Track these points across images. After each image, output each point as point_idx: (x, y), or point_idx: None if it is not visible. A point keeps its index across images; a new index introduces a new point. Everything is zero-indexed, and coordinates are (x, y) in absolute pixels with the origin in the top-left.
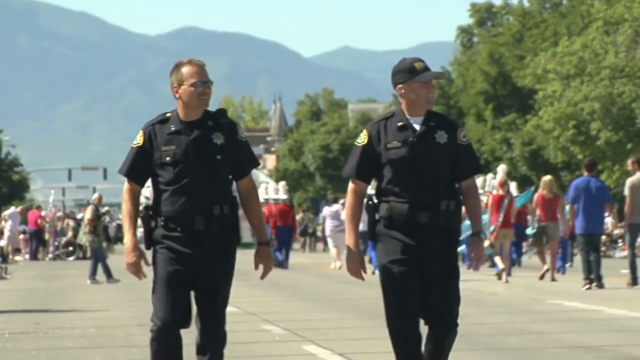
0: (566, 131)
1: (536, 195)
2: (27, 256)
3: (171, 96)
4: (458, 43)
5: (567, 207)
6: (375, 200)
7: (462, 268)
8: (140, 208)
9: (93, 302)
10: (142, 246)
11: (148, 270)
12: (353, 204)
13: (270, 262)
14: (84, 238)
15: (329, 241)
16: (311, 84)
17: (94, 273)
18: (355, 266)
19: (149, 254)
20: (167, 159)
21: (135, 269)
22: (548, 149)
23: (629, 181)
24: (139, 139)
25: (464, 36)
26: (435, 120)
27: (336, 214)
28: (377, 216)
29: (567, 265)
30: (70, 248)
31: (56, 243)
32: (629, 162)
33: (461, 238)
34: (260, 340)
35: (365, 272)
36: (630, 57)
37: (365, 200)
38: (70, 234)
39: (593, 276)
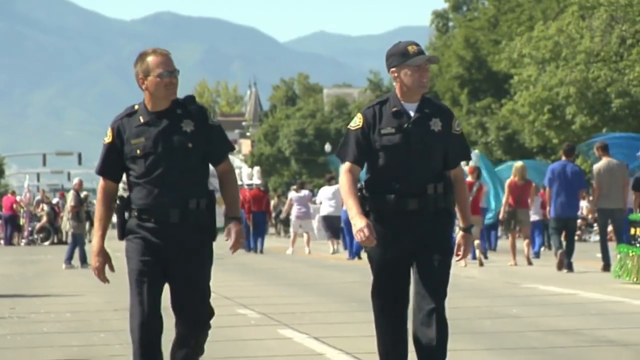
0: (541, 115)
1: (508, 181)
2: (1, 241)
3: None
4: (433, 28)
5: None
6: (365, 192)
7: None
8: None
9: (68, 287)
10: (109, 248)
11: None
12: (349, 181)
13: (241, 237)
14: (67, 224)
15: (293, 226)
16: (286, 68)
17: (70, 258)
18: (367, 233)
19: (121, 246)
20: (138, 151)
21: (99, 273)
22: (523, 134)
23: (595, 167)
24: (108, 136)
25: (439, 21)
26: (429, 107)
27: (303, 200)
28: (366, 208)
29: (543, 249)
30: (45, 233)
31: (30, 228)
32: (595, 147)
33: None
34: (235, 324)
35: (374, 235)
36: (606, 42)
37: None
38: (45, 218)
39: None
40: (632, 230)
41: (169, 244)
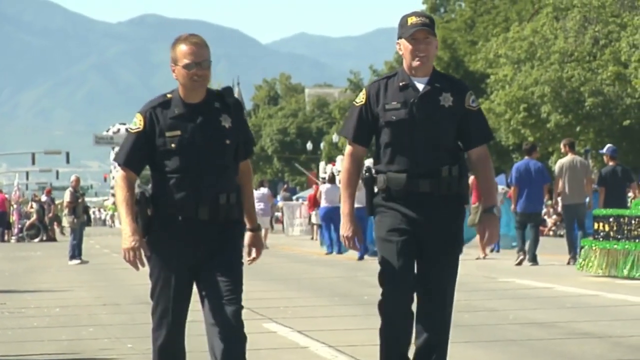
0: (517, 114)
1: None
2: None
3: (131, 82)
4: None
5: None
6: (373, 172)
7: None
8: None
9: (57, 283)
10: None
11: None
12: (349, 169)
13: (261, 248)
14: (65, 220)
15: None
16: (269, 69)
17: (73, 254)
18: (351, 236)
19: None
20: (172, 145)
21: (134, 255)
22: (500, 132)
23: (559, 162)
24: (138, 123)
25: None
26: (441, 82)
27: (262, 197)
28: (375, 189)
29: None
30: (34, 231)
31: (19, 225)
32: (562, 144)
33: None
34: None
35: (360, 242)
36: (579, 42)
37: (363, 172)
38: (34, 216)
39: (526, 249)
40: (596, 225)
41: (198, 242)
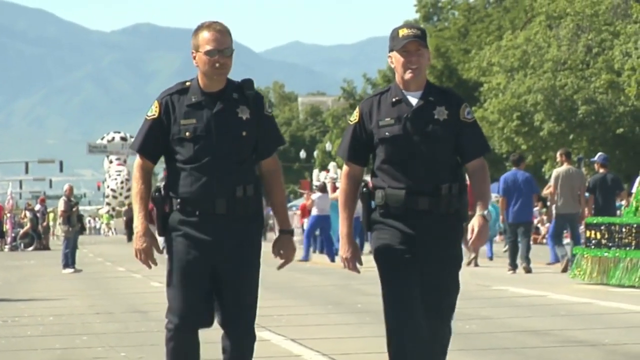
0: (510, 122)
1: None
2: None
3: (125, 91)
4: None
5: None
6: (370, 187)
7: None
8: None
9: (51, 291)
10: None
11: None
12: (347, 190)
13: (292, 253)
14: (59, 229)
15: None
16: (262, 77)
17: (67, 262)
18: (350, 258)
19: (160, 241)
20: (187, 134)
21: (146, 256)
22: (493, 140)
23: (555, 171)
24: (154, 110)
25: None
26: (435, 95)
27: None
28: (372, 204)
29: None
30: (28, 239)
31: (13, 234)
32: (558, 154)
33: None
34: (213, 326)
35: (360, 264)
36: (572, 50)
37: (360, 187)
38: (28, 225)
39: (518, 262)
40: (588, 233)
41: (215, 238)
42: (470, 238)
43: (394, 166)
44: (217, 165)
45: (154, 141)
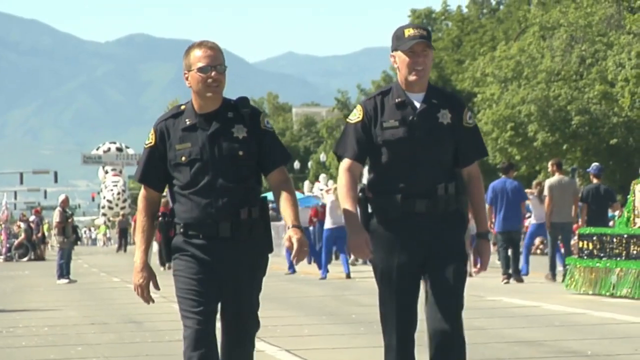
0: (504, 133)
1: None
2: None
3: (119, 101)
4: None
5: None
6: (367, 192)
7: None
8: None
9: (46, 302)
10: (156, 263)
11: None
12: (348, 182)
13: (305, 245)
14: (54, 240)
15: None
16: (256, 88)
17: (61, 273)
18: (360, 242)
19: (162, 275)
20: (182, 158)
21: (142, 292)
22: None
23: (547, 182)
24: (150, 138)
25: None
26: (438, 98)
27: None
28: (369, 209)
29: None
30: (23, 250)
31: (8, 245)
32: (550, 164)
33: None
34: None
35: (370, 248)
36: (566, 61)
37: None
38: (22, 235)
39: (510, 271)
40: (580, 244)
41: (221, 262)
42: (478, 266)
43: (393, 169)
44: (215, 187)
45: (155, 170)
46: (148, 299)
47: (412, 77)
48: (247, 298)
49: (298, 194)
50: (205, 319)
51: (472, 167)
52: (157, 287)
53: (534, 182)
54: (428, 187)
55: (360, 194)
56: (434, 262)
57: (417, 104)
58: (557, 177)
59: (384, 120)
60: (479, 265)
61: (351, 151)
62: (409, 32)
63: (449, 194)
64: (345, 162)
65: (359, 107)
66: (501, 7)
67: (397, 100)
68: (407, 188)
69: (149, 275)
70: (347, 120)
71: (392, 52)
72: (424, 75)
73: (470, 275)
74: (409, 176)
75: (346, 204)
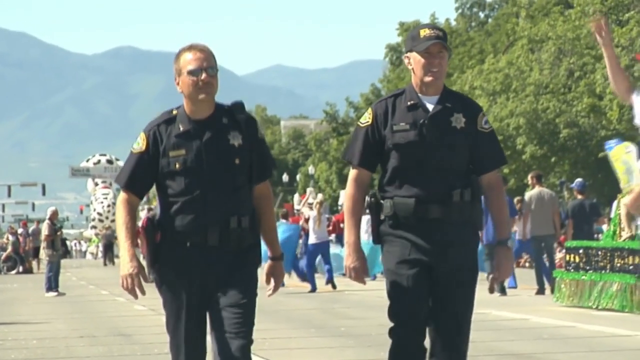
0: None
1: None
2: None
3: (107, 114)
4: (387, 61)
5: None
6: (379, 197)
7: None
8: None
9: (34, 315)
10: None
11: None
12: (354, 195)
13: (281, 278)
14: (43, 253)
15: None
16: (244, 101)
17: (49, 286)
18: (357, 268)
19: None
20: (177, 166)
21: (132, 282)
22: None
23: (527, 195)
24: (140, 143)
25: (393, 54)
26: (452, 101)
27: None
28: (381, 215)
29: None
30: (11, 263)
31: None
32: (529, 177)
33: None
34: None
35: (367, 275)
36: (554, 74)
37: (367, 198)
38: (10, 248)
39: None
40: (567, 257)
41: (208, 271)
42: (497, 273)
43: (405, 173)
44: (209, 196)
45: (141, 176)
46: (140, 288)
47: (427, 79)
48: (238, 308)
49: (282, 223)
50: (192, 334)
51: (492, 176)
52: (146, 279)
53: (515, 200)
54: (443, 192)
55: (371, 199)
56: (443, 282)
57: (430, 107)
58: (536, 189)
59: (394, 123)
60: (499, 274)
61: (358, 157)
62: (424, 32)
63: (464, 200)
64: (353, 172)
65: (369, 109)
66: (489, 20)
67: (409, 103)
68: (420, 193)
69: (139, 265)
70: (357, 123)
71: (407, 53)
72: (440, 77)
73: (491, 291)
74: (422, 181)
75: (349, 219)
